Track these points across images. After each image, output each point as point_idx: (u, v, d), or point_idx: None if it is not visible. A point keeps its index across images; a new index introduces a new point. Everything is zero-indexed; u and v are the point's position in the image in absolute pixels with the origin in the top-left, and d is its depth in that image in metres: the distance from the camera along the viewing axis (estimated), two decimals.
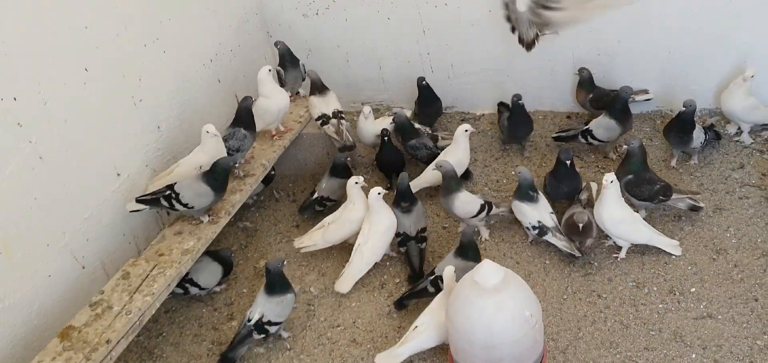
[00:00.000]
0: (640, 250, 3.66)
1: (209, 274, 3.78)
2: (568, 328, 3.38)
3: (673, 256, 3.59)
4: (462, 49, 4.72)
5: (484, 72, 4.69)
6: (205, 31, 4.37)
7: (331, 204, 4.21)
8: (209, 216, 3.65)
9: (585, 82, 4.47)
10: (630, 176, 3.71)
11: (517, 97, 4.27)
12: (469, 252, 3.46)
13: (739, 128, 4.23)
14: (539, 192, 3.81)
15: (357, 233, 3.82)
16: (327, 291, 3.80)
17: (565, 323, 3.41)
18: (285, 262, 3.53)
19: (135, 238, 3.80)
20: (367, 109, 4.44)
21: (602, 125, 4.18)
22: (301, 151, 4.58)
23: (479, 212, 3.81)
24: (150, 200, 3.58)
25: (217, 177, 3.58)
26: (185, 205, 3.53)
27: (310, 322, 3.66)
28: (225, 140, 3.82)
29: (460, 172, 4.06)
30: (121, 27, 3.66)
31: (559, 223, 3.72)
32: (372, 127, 4.46)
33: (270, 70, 4.15)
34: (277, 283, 3.43)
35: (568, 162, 3.80)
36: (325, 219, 3.97)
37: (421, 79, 4.61)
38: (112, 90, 3.63)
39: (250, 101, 3.93)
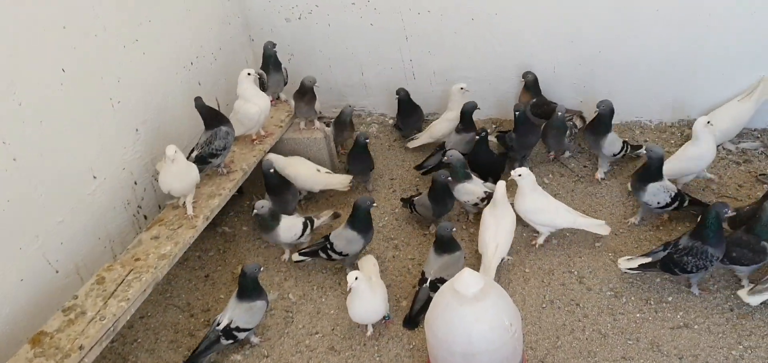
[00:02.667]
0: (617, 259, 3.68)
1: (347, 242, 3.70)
2: (546, 337, 3.39)
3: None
4: (444, 57, 4.73)
5: (465, 79, 4.70)
6: (186, 34, 4.33)
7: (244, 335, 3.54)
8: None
9: (530, 86, 4.52)
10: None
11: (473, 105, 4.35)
12: (450, 245, 3.54)
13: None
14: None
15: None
16: (305, 298, 3.77)
17: (543, 332, 3.41)
18: (262, 268, 3.50)
19: (111, 242, 3.75)
20: (170, 150, 3.53)
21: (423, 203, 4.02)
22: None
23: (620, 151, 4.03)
24: (309, 253, 3.79)
25: (361, 220, 3.58)
26: (340, 254, 3.60)
27: (288, 329, 3.63)
28: (209, 142, 3.78)
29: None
30: (99, 27, 3.61)
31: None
32: (181, 169, 3.63)
33: (250, 74, 4.12)
34: (249, 288, 3.39)
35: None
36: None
37: (399, 91, 4.61)
38: (90, 91, 3.58)
39: (200, 100, 3.88)
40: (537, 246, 3.82)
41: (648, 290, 3.51)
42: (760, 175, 4.07)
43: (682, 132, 4.48)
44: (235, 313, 3.38)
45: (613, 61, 4.43)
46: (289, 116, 4.50)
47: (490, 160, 4.22)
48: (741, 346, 3.19)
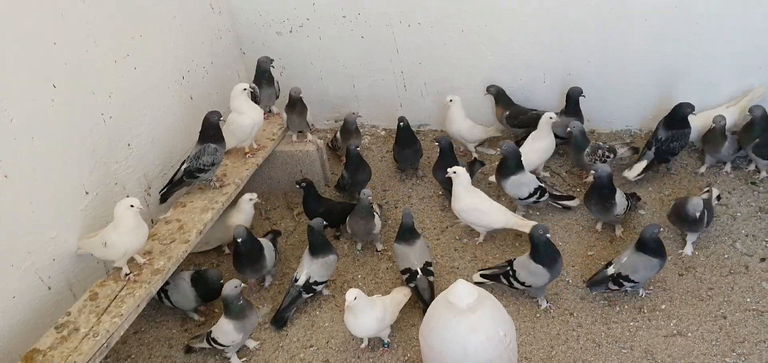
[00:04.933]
0: None
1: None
2: (541, 347, 3.39)
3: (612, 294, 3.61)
4: (435, 68, 4.75)
5: (456, 90, 4.72)
6: (177, 48, 4.33)
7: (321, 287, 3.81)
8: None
9: (500, 99, 4.57)
10: (756, 140, 3.92)
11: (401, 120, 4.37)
12: (409, 234, 3.68)
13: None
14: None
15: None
16: (300, 311, 3.76)
17: (538, 342, 3.42)
18: (326, 224, 3.78)
19: None
20: (135, 202, 3.35)
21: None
22: (274, 169, 4.55)
23: (532, 195, 3.99)
24: (490, 276, 3.65)
25: (546, 253, 3.42)
26: (522, 283, 3.50)
27: (282, 343, 3.62)
28: (197, 157, 3.77)
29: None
30: (90, 43, 3.61)
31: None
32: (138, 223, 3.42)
33: (245, 89, 4.11)
34: (319, 244, 3.67)
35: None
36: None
37: (400, 119, 4.42)
38: (81, 106, 3.58)
39: (217, 116, 3.85)
40: (477, 244, 3.96)
41: (641, 299, 3.53)
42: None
43: None
44: (311, 269, 3.67)
45: (602, 70, 4.46)
46: (281, 129, 4.50)
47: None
48: (734, 353, 3.20)
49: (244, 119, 4.08)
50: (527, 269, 3.44)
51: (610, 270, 3.49)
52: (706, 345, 3.26)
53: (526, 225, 3.76)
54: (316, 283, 3.68)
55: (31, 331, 3.21)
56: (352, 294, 3.19)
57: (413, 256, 3.67)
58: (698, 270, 3.62)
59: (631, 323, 3.43)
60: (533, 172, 4.19)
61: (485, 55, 4.60)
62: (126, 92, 3.87)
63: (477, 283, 3.34)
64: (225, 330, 3.39)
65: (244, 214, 4.09)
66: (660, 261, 3.42)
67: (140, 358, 3.64)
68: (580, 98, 4.33)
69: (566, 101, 4.36)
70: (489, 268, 3.70)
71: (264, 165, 4.37)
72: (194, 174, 3.80)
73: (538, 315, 3.54)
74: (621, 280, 3.44)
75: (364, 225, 3.93)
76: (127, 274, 3.36)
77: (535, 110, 4.51)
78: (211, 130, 3.82)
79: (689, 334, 3.32)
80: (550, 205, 4.11)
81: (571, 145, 4.18)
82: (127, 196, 3.85)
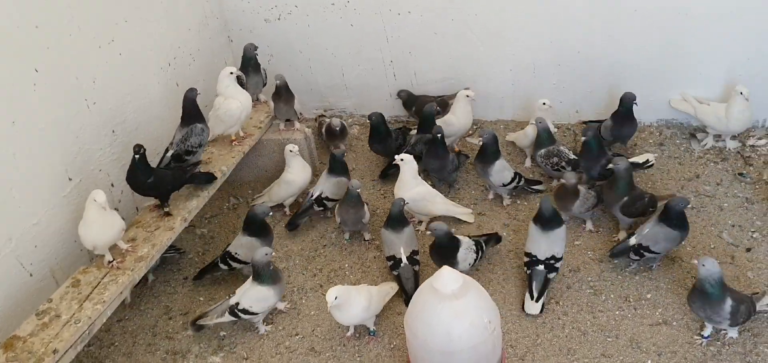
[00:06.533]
0: (598, 258, 3.70)
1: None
2: (526, 335, 3.38)
3: (632, 266, 3.62)
4: (425, 58, 4.73)
5: (446, 80, 4.70)
6: (163, 34, 4.28)
7: (331, 204, 4.13)
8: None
9: (408, 104, 4.70)
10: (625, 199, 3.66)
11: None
12: (397, 221, 3.69)
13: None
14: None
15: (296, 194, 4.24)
16: (285, 299, 3.74)
17: (523, 330, 3.41)
18: (344, 152, 4.23)
19: None
20: (101, 196, 3.26)
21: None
22: (261, 157, 4.52)
23: (511, 181, 4.03)
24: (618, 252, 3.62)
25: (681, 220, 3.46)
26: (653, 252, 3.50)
27: (268, 331, 3.60)
28: (184, 140, 3.74)
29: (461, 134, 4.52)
30: (74, 27, 3.56)
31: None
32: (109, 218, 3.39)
33: (232, 73, 4.06)
34: (337, 166, 4.08)
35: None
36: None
37: (370, 117, 4.37)
38: (64, 92, 3.53)
39: (195, 92, 3.80)
40: (421, 232, 4.00)
41: (627, 288, 3.53)
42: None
43: (661, 132, 4.51)
44: (325, 186, 4.09)
45: (592, 62, 4.45)
46: (268, 117, 4.47)
47: (443, 161, 4.12)
48: (719, 342, 3.20)
49: (232, 104, 4.02)
50: (663, 237, 3.46)
51: (632, 241, 3.52)
52: (690, 334, 3.26)
53: (464, 213, 4.01)
54: (328, 199, 4.06)
55: (12, 317, 3.18)
56: (332, 294, 3.15)
57: (400, 243, 3.65)
58: (684, 259, 3.62)
59: (617, 312, 3.42)
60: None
61: (476, 45, 4.58)
62: (110, 78, 3.82)
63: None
64: (262, 296, 3.41)
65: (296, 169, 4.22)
66: (681, 233, 3.48)
67: (123, 345, 3.61)
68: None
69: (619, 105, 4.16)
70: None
71: (251, 153, 4.33)
72: (182, 157, 3.76)
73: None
74: (642, 251, 3.48)
75: (353, 213, 3.90)
76: (110, 262, 3.33)
77: (443, 96, 4.61)
78: (193, 110, 3.79)
79: (674, 323, 3.32)
80: (524, 189, 4.16)
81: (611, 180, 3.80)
82: (112, 185, 3.84)
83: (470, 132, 4.69)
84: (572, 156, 4.07)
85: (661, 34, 4.26)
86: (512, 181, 4.04)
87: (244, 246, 3.71)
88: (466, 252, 3.57)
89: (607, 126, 4.20)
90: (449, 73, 4.72)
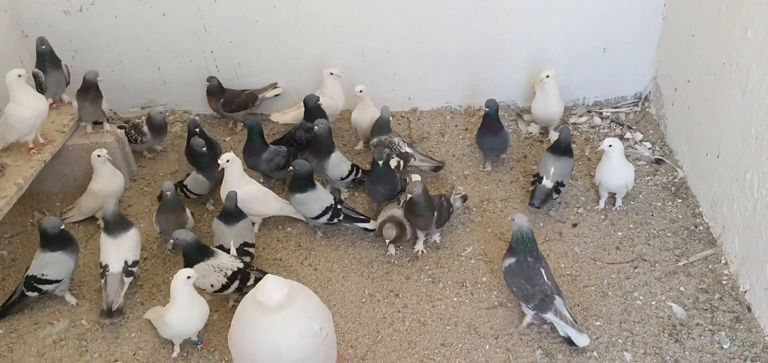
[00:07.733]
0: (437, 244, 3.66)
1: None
2: (367, 333, 3.26)
3: (468, 251, 3.61)
4: (248, 47, 4.44)
5: (271, 70, 4.46)
6: None
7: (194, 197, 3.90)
8: None
9: (214, 91, 4.41)
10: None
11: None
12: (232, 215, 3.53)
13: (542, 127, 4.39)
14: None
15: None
16: (101, 323, 3.33)
17: (364, 328, 3.28)
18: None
19: None
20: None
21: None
22: (67, 165, 4.02)
23: (349, 174, 3.88)
24: None
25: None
26: None
27: (82, 359, 3.20)
28: None
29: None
30: None
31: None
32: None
33: (21, 76, 3.57)
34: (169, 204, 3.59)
35: (381, 162, 3.68)
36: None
37: (189, 125, 3.98)
38: None
39: None
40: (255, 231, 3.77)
41: (464, 273, 3.52)
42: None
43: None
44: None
45: (420, 49, 4.42)
46: (73, 120, 3.98)
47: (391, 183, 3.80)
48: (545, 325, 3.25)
49: (23, 111, 3.56)
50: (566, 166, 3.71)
51: (548, 183, 3.68)
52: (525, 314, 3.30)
53: (292, 211, 3.78)
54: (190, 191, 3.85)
55: None
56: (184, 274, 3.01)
57: (230, 235, 3.47)
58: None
59: (455, 299, 3.39)
60: None
61: (300, 31, 4.36)
62: None
63: None
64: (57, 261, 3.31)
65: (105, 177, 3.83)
66: (571, 159, 3.77)
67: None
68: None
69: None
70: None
71: (55, 161, 3.87)
72: None
73: (363, 300, 3.42)
74: (559, 187, 3.68)
75: (174, 220, 3.57)
76: None
77: (248, 90, 4.44)
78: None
79: (509, 304, 3.35)
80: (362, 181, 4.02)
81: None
82: None
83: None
84: (405, 149, 3.99)
85: (480, 24, 4.31)
86: (350, 174, 3.89)
87: (50, 263, 3.33)
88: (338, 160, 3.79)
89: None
90: (273, 62, 4.48)
